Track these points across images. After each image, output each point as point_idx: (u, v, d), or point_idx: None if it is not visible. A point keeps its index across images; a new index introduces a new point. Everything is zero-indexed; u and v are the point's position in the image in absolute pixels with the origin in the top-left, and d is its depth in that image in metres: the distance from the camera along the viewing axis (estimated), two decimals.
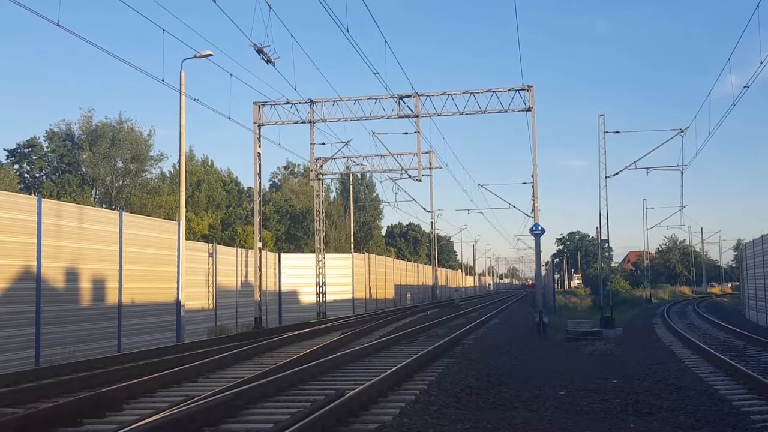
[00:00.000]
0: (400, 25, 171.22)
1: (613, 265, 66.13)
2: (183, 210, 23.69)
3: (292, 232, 63.89)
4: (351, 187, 60.25)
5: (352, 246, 49.03)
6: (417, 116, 27.01)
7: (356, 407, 8.68)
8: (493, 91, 26.24)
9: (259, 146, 27.51)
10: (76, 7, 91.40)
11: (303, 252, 52.43)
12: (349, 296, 38.44)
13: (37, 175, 54.27)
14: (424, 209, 54.95)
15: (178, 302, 22.07)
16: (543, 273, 34.78)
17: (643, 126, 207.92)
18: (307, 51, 59.04)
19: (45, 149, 53.63)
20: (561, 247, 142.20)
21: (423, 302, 54.83)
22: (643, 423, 8.51)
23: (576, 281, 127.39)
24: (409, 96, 26.72)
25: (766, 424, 8.30)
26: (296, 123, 28.08)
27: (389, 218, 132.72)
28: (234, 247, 31.62)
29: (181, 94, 22.34)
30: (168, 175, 57.38)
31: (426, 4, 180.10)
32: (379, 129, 32.67)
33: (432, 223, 61.21)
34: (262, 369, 12.37)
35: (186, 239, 24.28)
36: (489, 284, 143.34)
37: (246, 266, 29.41)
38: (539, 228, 25.62)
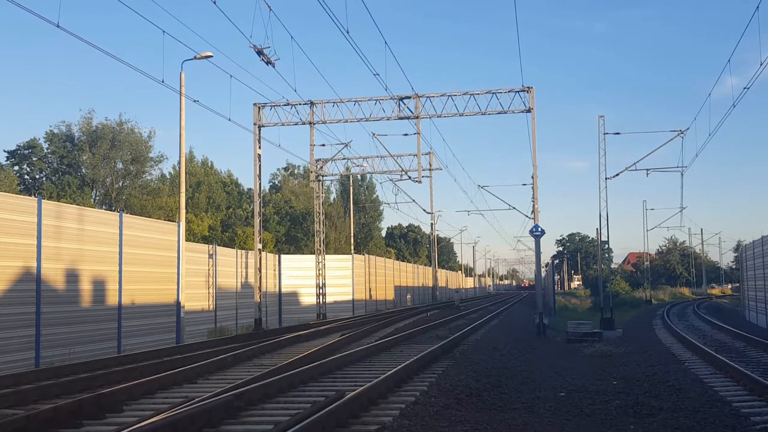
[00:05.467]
0: (400, 26, 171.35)
1: (613, 266, 66.11)
2: (183, 211, 23.70)
3: (292, 233, 63.90)
4: (351, 188, 60.37)
5: (352, 247, 49.02)
6: (417, 117, 26.99)
7: (356, 408, 8.68)
8: (493, 93, 26.22)
9: (259, 147, 27.51)
10: (76, 9, 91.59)
11: (303, 253, 52.41)
12: (349, 297, 38.44)
13: (37, 176, 54.30)
14: (424, 210, 55.02)
15: (178, 303, 22.07)
16: (543, 274, 34.75)
17: (643, 127, 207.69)
18: (307, 52, 58.92)
19: (45, 150, 53.66)
20: (561, 249, 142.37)
21: (423, 303, 54.84)
22: (644, 424, 8.51)
23: (576, 282, 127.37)
24: (409, 97, 26.70)
25: (766, 425, 8.30)
26: (296, 124, 28.06)
27: (389, 219, 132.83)
28: (234, 248, 31.61)
29: (181, 95, 22.36)
30: (168, 177, 57.41)
31: (426, 6, 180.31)
32: (379, 130, 32.61)
33: (432, 224, 61.30)
34: (262, 370, 12.37)
35: (186, 240, 24.29)
36: (489, 285, 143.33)
37: (246, 267, 29.41)
38: (539, 229, 25.61)
